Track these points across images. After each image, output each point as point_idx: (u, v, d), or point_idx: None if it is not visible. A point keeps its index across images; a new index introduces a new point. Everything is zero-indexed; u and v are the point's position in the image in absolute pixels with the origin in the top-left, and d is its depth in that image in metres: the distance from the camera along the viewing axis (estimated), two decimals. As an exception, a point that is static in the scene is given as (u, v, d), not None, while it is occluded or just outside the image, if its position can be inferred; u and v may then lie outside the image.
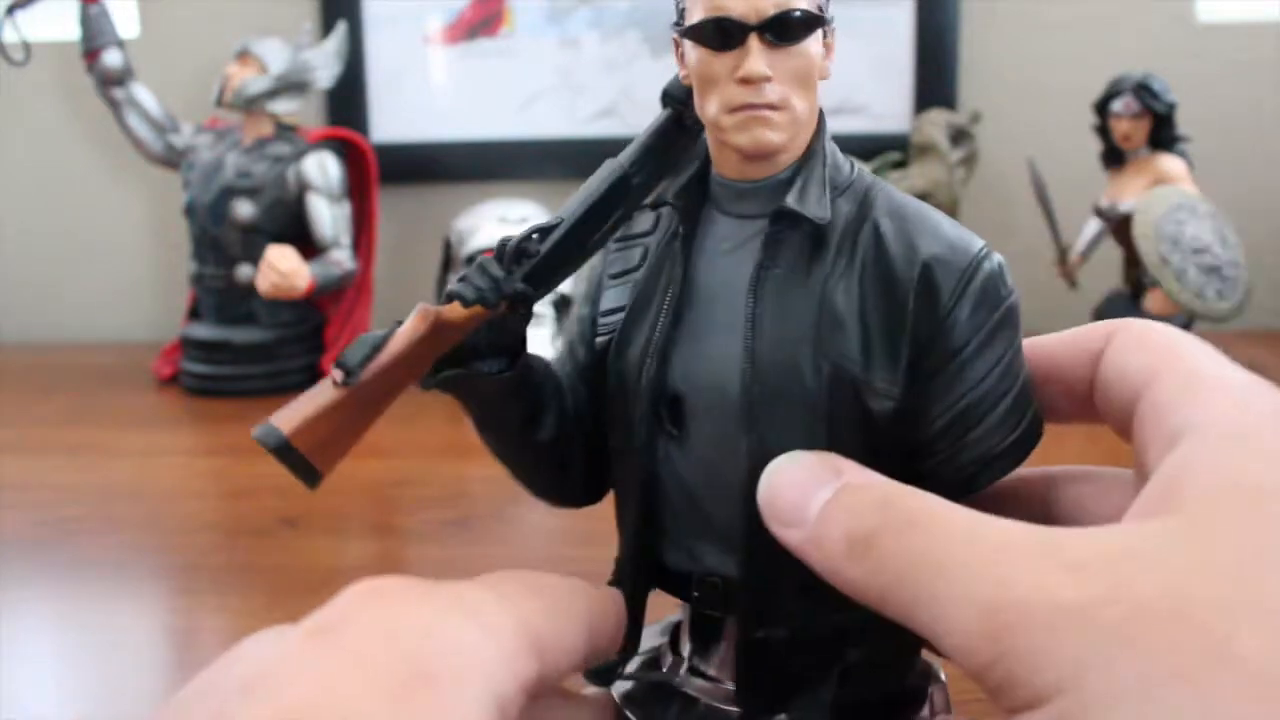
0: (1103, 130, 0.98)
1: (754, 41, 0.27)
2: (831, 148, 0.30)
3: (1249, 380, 0.23)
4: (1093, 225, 1.02)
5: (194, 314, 1.06)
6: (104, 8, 1.01)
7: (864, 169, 0.30)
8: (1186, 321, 0.95)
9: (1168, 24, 1.15)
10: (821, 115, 0.30)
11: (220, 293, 1.02)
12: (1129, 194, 0.96)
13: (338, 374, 0.28)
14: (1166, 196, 0.93)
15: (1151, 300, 0.97)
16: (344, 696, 0.19)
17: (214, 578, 0.61)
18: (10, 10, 0.98)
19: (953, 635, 0.20)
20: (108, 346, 1.20)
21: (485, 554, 0.63)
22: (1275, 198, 1.17)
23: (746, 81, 0.27)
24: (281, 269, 0.95)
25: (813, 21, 0.28)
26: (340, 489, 0.75)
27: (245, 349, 1.00)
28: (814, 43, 0.28)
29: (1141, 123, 0.96)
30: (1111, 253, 1.01)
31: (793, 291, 0.28)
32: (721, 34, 0.28)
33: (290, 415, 0.27)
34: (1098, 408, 0.27)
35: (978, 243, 0.28)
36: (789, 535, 0.24)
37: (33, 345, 1.22)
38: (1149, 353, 0.25)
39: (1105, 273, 1.03)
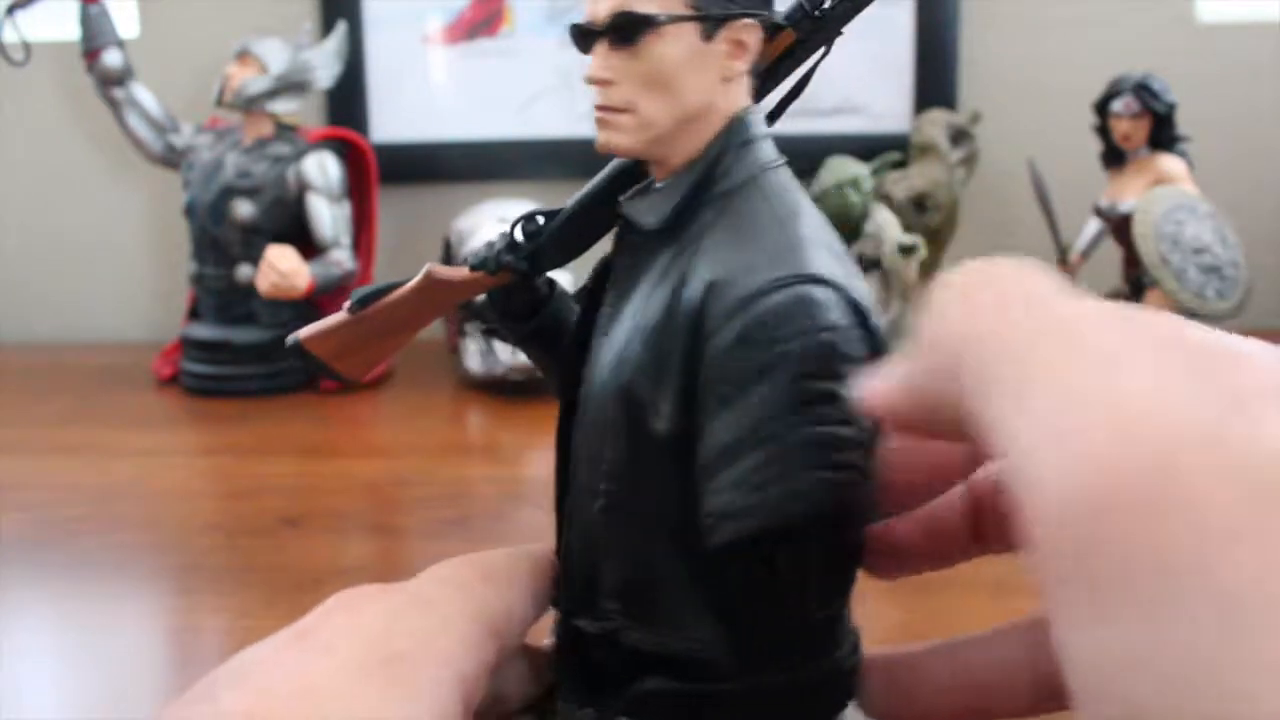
0: (1103, 130, 0.98)
1: (600, 45, 0.28)
2: (736, 153, 0.27)
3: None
4: (1093, 225, 1.02)
5: (194, 314, 1.06)
6: (104, 8, 1.01)
7: (767, 176, 0.28)
8: (1186, 321, 0.95)
9: (1168, 24, 1.15)
10: (738, 118, 0.28)
11: (220, 293, 1.02)
12: (1129, 194, 0.96)
13: (349, 304, 0.34)
14: (1166, 196, 0.93)
15: (1151, 300, 0.97)
16: (317, 680, 0.22)
17: (214, 578, 0.61)
18: (10, 10, 0.98)
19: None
20: (108, 346, 1.20)
21: (485, 554, 0.63)
22: (1275, 198, 1.17)
23: (592, 83, 0.28)
24: (281, 269, 0.95)
25: (649, 22, 0.27)
26: (340, 489, 0.75)
27: (245, 349, 1.00)
28: (662, 43, 0.27)
29: (1141, 123, 0.96)
30: (1111, 253, 1.01)
31: (628, 298, 0.28)
32: (579, 39, 0.28)
33: (309, 328, 0.35)
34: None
35: (788, 270, 0.25)
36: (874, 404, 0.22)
37: (33, 345, 1.22)
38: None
39: (1105, 273, 1.03)
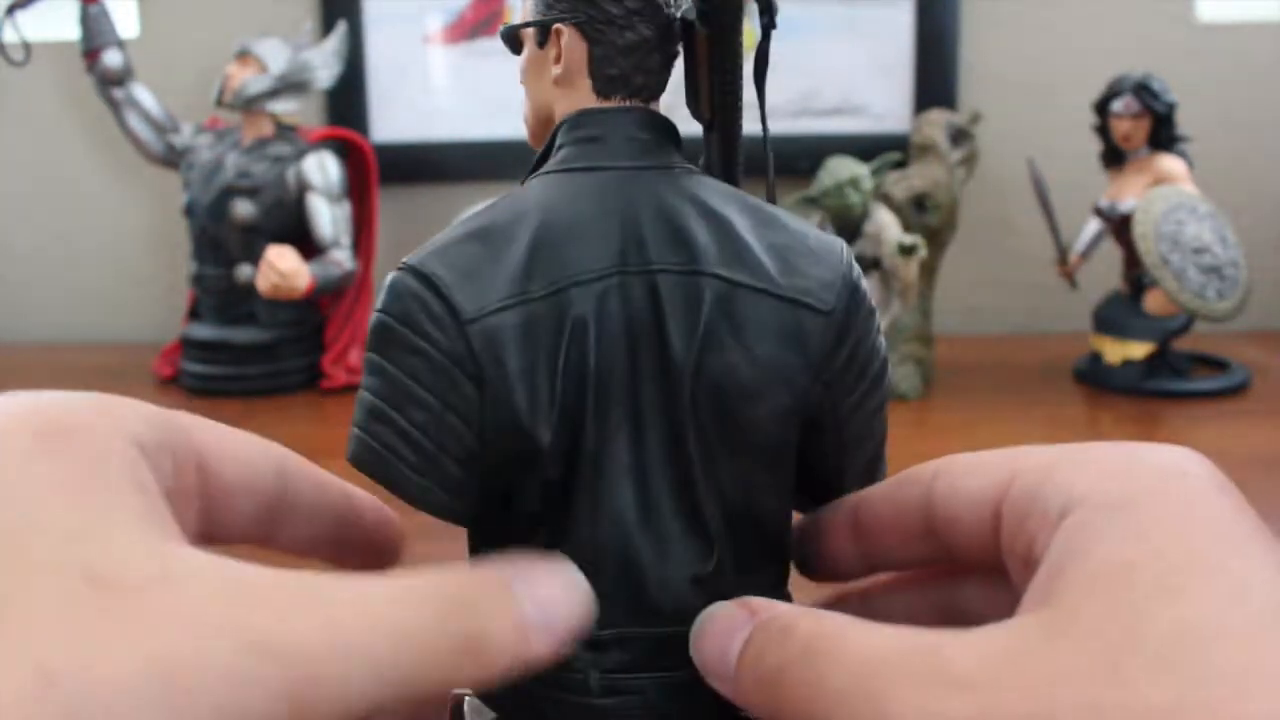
0: (1103, 130, 0.98)
1: None
2: (552, 155, 0.28)
3: (1128, 446, 0.23)
4: (1093, 225, 1.02)
5: (194, 314, 1.06)
6: (104, 8, 1.01)
7: (537, 178, 0.28)
8: (1187, 322, 0.95)
9: (1168, 24, 1.15)
10: (562, 123, 0.28)
11: (220, 293, 1.02)
12: (1129, 194, 0.96)
13: None
14: (1166, 196, 0.93)
15: (1151, 300, 0.97)
16: None
17: (214, 578, 0.61)
18: (10, 10, 0.98)
19: None
20: (108, 346, 1.20)
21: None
22: (1275, 198, 1.17)
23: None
24: (281, 269, 0.95)
25: (512, 30, 0.30)
26: (340, 489, 0.75)
27: (245, 349, 1.00)
28: (522, 50, 0.30)
29: (1141, 123, 0.96)
30: (1111, 253, 1.01)
31: None
32: None
33: None
34: (941, 544, 0.26)
35: (410, 258, 0.27)
36: (720, 688, 0.24)
37: (33, 345, 1.22)
38: (991, 472, 0.24)
39: (1105, 273, 1.03)
